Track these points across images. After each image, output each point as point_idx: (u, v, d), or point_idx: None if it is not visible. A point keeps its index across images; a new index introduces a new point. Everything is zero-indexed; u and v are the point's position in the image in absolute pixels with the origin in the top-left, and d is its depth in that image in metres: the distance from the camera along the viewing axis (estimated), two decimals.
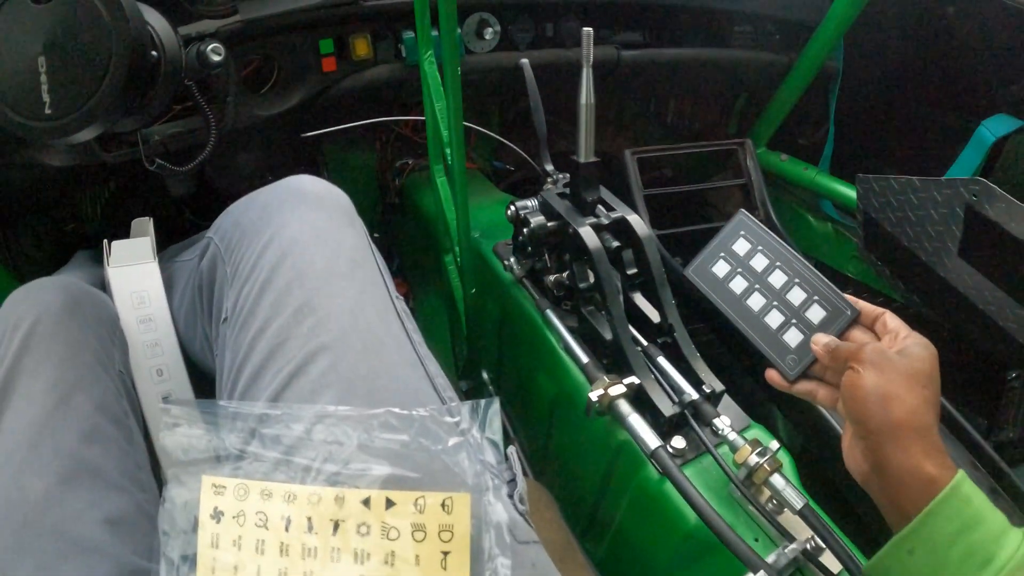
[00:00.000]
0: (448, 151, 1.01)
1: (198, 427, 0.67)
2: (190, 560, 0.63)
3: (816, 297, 0.80)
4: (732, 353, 1.42)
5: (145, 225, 1.01)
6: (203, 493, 0.64)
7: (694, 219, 1.68)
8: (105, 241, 0.94)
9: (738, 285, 0.86)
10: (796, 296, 0.81)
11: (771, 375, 0.80)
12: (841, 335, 0.76)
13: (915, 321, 1.62)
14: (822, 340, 0.74)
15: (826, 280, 0.80)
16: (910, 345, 0.69)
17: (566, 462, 1.13)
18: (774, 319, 0.82)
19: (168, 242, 1.03)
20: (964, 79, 1.65)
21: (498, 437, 0.63)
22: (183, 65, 0.93)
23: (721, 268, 0.88)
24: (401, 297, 0.83)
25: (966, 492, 0.60)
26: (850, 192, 1.60)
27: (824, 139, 1.89)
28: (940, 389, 0.68)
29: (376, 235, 1.90)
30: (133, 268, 0.92)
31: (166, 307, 0.92)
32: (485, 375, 1.43)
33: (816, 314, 0.79)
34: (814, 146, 1.95)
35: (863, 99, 1.85)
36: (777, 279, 0.83)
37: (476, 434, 0.62)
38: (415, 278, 1.90)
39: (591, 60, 0.89)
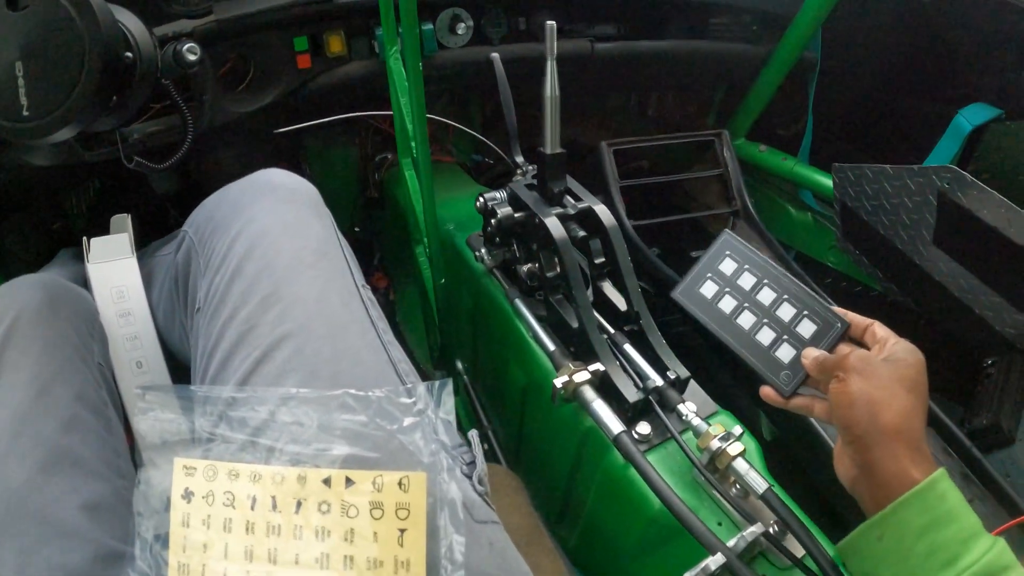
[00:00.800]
0: (413, 145, 1.03)
1: (171, 411, 0.70)
2: (163, 539, 0.65)
3: (806, 312, 0.80)
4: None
5: (124, 221, 1.03)
6: (175, 474, 0.66)
7: (673, 210, 1.69)
8: (85, 238, 0.96)
9: (727, 305, 0.87)
10: (786, 312, 0.82)
11: (766, 392, 0.81)
12: (832, 348, 0.77)
13: (893, 310, 1.64)
14: (812, 354, 0.75)
15: (814, 294, 0.81)
16: (897, 351, 0.70)
17: (538, 449, 1.15)
18: (766, 336, 0.83)
19: (153, 238, 1.05)
20: (943, 68, 1.66)
21: (451, 417, 0.66)
22: (159, 65, 0.95)
23: (709, 289, 0.89)
24: (368, 286, 0.86)
25: (942, 489, 0.61)
26: (829, 182, 1.61)
27: (803, 130, 1.90)
28: (927, 395, 0.68)
29: (357, 229, 1.93)
30: (112, 264, 0.94)
31: (145, 301, 0.94)
32: (459, 364, 1.45)
33: (807, 328, 0.80)
34: (793, 137, 1.95)
35: (842, 89, 1.85)
36: (766, 296, 0.84)
37: (431, 414, 0.64)
38: (396, 271, 1.92)
39: (555, 53, 0.90)
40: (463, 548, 0.61)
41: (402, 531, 0.60)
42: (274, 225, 0.81)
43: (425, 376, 1.65)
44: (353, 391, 0.65)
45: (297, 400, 0.66)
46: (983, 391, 1.36)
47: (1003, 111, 1.52)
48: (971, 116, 1.53)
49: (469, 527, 0.66)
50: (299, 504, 0.62)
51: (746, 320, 0.85)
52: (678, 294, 0.91)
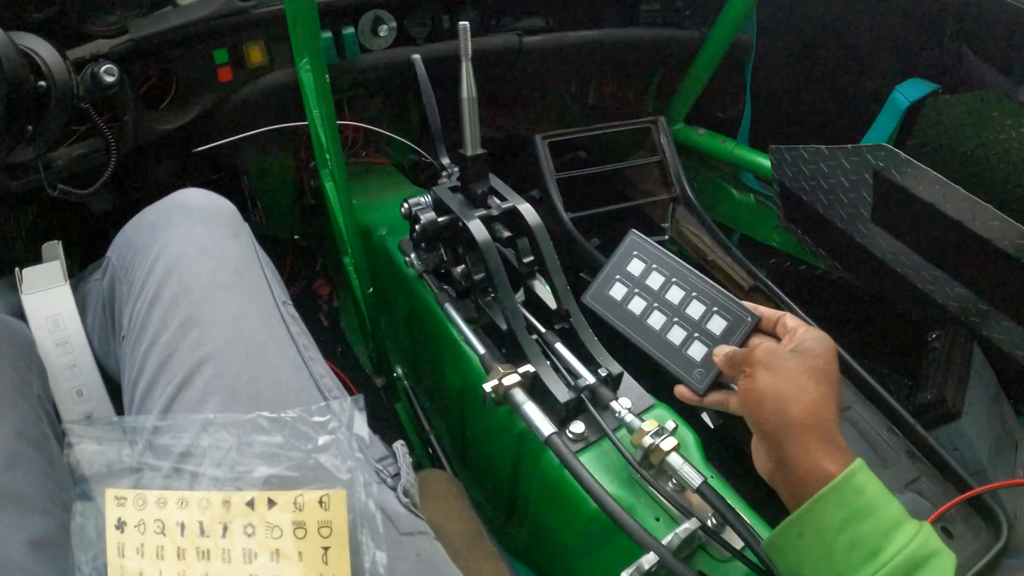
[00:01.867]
0: (327, 155, 1.03)
1: (100, 443, 0.69)
2: (101, 571, 0.65)
3: (715, 308, 0.80)
4: None
5: (55, 248, 1.02)
6: (107, 505, 0.66)
7: (614, 199, 1.69)
8: (17, 269, 0.95)
9: (637, 306, 0.86)
10: (695, 310, 0.82)
11: (680, 391, 0.80)
12: (743, 342, 0.77)
13: (838, 288, 1.66)
14: (722, 351, 0.75)
15: (723, 290, 0.80)
16: (806, 340, 0.69)
17: (480, 452, 1.15)
18: (676, 335, 0.82)
19: (94, 260, 1.04)
20: (880, 45, 1.67)
21: (364, 432, 0.66)
22: (75, 89, 0.95)
23: (618, 291, 0.88)
24: (289, 303, 0.86)
25: (859, 482, 0.60)
26: (769, 163, 1.63)
27: (742, 112, 1.92)
28: (839, 383, 0.67)
29: (297, 237, 1.92)
30: (44, 294, 0.93)
31: (81, 328, 0.93)
32: (399, 370, 1.44)
33: (717, 325, 0.79)
34: (733, 119, 1.97)
35: (779, 70, 1.87)
36: (675, 295, 0.84)
37: (345, 431, 0.65)
38: (338, 277, 1.91)
39: (469, 54, 0.89)
40: (386, 562, 0.61)
41: (326, 549, 0.60)
42: (189, 248, 0.81)
43: (368, 383, 1.66)
44: (266, 413, 0.65)
45: (216, 425, 0.66)
46: (928, 365, 1.37)
47: (939, 86, 1.54)
48: (908, 92, 1.55)
49: (394, 540, 0.67)
50: (225, 528, 0.62)
51: (656, 320, 0.84)
52: (588, 298, 0.90)
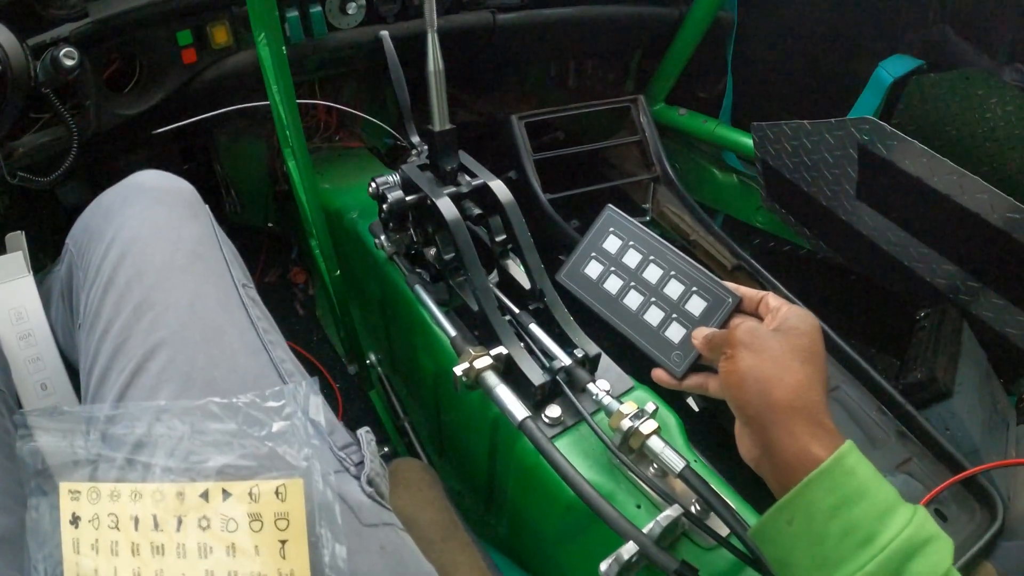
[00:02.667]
0: (287, 133, 1.01)
1: (53, 435, 0.67)
2: (56, 568, 0.63)
3: (695, 288, 0.76)
4: None
5: (19, 239, 0.99)
6: (61, 499, 0.64)
7: (594, 180, 1.68)
8: None
9: (613, 285, 0.82)
10: (674, 289, 0.77)
11: (658, 374, 0.76)
12: (723, 324, 0.73)
13: (824, 267, 1.65)
14: (701, 333, 0.71)
15: (703, 269, 0.76)
16: (789, 319, 0.66)
17: (456, 440, 1.13)
18: (654, 316, 0.78)
19: None
20: (863, 22, 1.65)
21: (320, 417, 0.63)
22: (34, 75, 0.92)
23: (594, 269, 0.83)
24: (250, 285, 0.83)
25: (849, 465, 0.57)
26: (751, 142, 1.61)
27: (723, 91, 1.89)
28: (825, 363, 0.64)
29: (271, 224, 1.90)
30: (6, 285, 0.91)
31: (44, 321, 0.91)
32: (372, 357, 1.42)
33: (696, 306, 0.75)
34: (715, 99, 1.95)
35: (761, 48, 1.85)
36: (652, 274, 0.79)
37: (301, 416, 0.62)
38: (312, 264, 1.89)
39: (435, 26, 0.87)
40: (345, 555, 0.59)
41: (283, 542, 0.58)
42: (144, 230, 0.78)
43: (343, 372, 1.64)
44: (218, 399, 0.62)
45: (169, 413, 0.64)
46: (917, 344, 1.35)
47: (924, 62, 1.52)
48: (892, 68, 1.53)
49: (356, 531, 0.64)
50: (180, 521, 0.60)
51: (633, 300, 0.80)
52: (562, 276, 0.86)
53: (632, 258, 0.81)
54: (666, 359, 0.76)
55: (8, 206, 1.40)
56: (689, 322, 0.75)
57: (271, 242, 1.96)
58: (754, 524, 0.63)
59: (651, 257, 0.80)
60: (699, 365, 0.75)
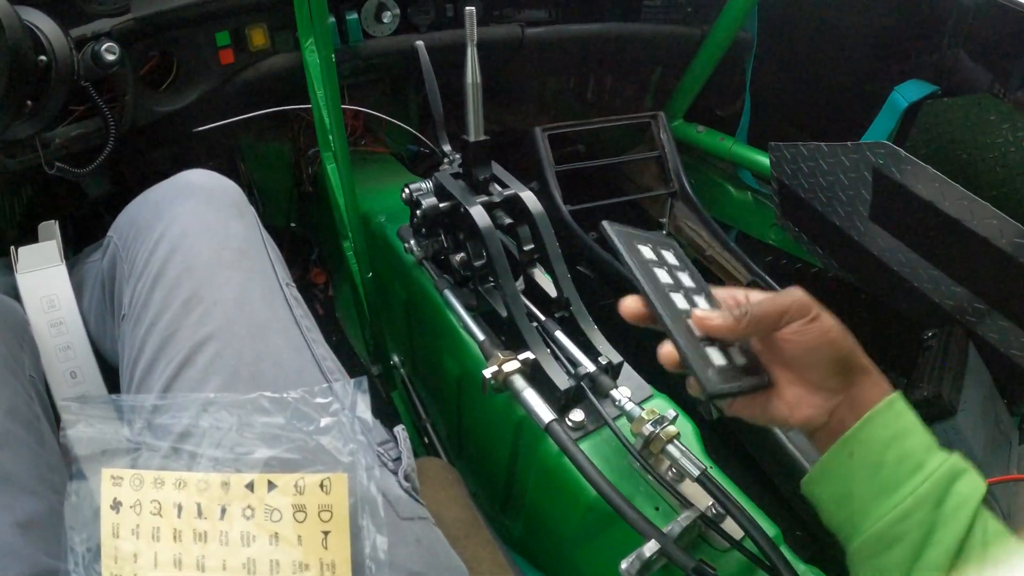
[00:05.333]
0: (331, 137, 1.03)
1: (98, 422, 0.68)
2: (95, 551, 0.65)
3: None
4: None
5: (51, 228, 1.01)
6: (103, 485, 0.65)
7: (611, 193, 1.70)
8: (12, 248, 0.94)
9: (663, 276, 0.67)
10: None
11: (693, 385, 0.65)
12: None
13: (834, 286, 1.66)
14: (722, 317, 0.62)
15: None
16: (779, 294, 0.63)
17: (477, 440, 1.15)
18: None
19: (88, 244, 1.03)
20: (879, 47, 1.67)
21: (367, 415, 0.65)
22: (76, 67, 0.94)
23: (647, 252, 0.70)
24: (293, 284, 0.85)
25: (900, 407, 0.61)
26: (767, 161, 1.63)
27: (741, 110, 1.91)
28: None
29: (293, 225, 1.91)
30: (40, 273, 0.93)
31: (76, 309, 0.93)
32: (396, 358, 1.44)
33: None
34: (732, 117, 1.97)
35: (779, 69, 1.87)
36: (687, 280, 0.69)
37: (348, 414, 0.64)
38: (334, 266, 1.91)
39: (475, 39, 0.89)
40: (386, 547, 0.61)
41: (326, 533, 0.60)
42: (194, 227, 0.81)
43: (363, 372, 1.65)
44: (268, 394, 0.65)
45: (217, 405, 0.65)
46: (924, 363, 1.37)
47: (939, 88, 1.55)
48: (907, 93, 1.55)
49: (394, 524, 0.66)
50: (223, 510, 0.62)
51: (679, 300, 0.66)
52: (607, 225, 0.70)
53: (671, 259, 0.72)
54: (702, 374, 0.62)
55: (33, 196, 1.42)
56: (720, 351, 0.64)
57: (292, 243, 1.97)
58: (815, 465, 0.64)
59: (685, 267, 0.72)
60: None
